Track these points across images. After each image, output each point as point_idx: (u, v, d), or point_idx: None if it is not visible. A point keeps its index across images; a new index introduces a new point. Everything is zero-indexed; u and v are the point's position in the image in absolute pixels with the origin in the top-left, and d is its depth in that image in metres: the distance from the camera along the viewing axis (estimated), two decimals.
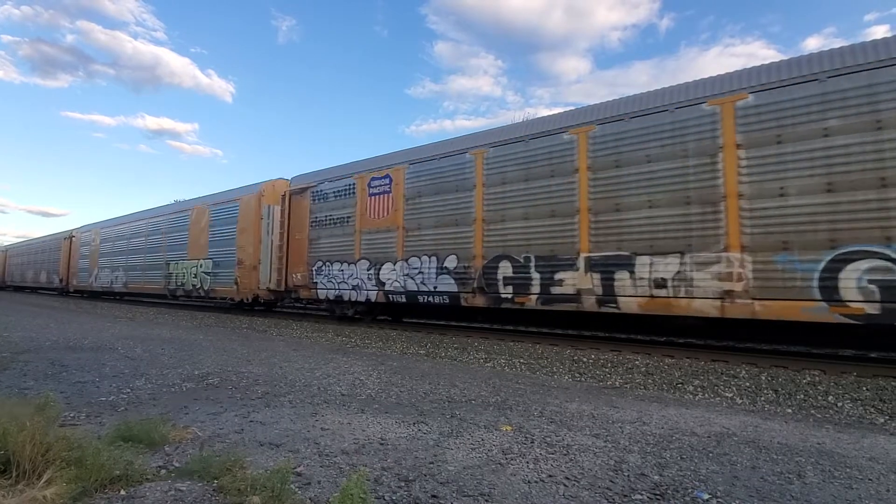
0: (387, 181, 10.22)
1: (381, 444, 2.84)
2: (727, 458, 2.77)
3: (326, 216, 11.46)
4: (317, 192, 11.80)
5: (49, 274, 27.57)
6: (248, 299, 13.40)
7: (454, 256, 8.82)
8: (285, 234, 12.36)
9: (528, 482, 2.33)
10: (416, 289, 9.32)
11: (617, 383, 5.14)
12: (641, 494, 2.22)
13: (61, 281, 25.41)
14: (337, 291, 10.93)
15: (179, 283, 16.26)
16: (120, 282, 20.14)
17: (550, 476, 2.41)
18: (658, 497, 2.20)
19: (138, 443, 2.51)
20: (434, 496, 2.14)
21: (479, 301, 8.39)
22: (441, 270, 8.96)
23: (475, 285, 8.42)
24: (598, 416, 3.63)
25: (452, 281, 8.77)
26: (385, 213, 10.11)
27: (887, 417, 3.90)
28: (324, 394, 4.13)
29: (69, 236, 25.21)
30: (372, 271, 10.15)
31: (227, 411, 3.46)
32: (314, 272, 11.52)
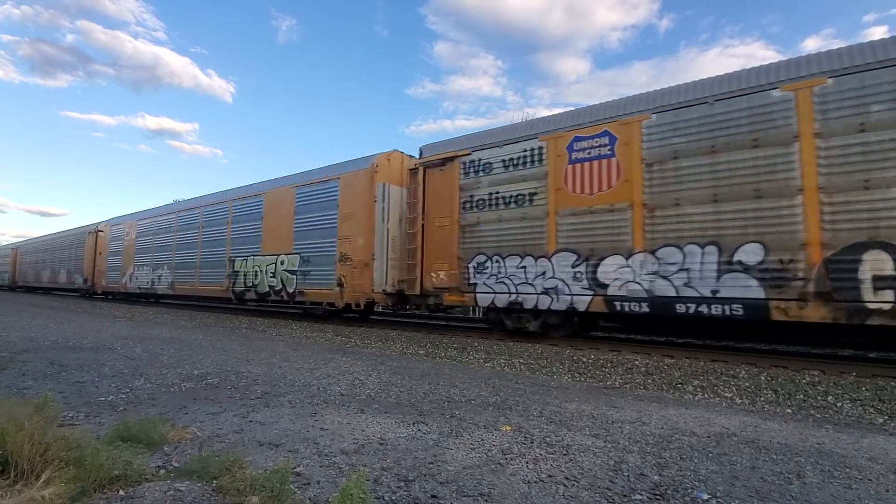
0: (604, 141, 7.36)
1: (381, 444, 2.84)
2: (727, 458, 2.77)
3: (491, 194, 8.57)
4: (471, 162, 8.93)
5: (70, 273, 24.56)
6: (358, 304, 10.39)
7: (757, 245, 6.03)
8: (419, 220, 9.59)
9: (528, 482, 2.32)
10: (671, 293, 6.56)
11: (616, 383, 5.14)
12: (641, 494, 2.22)
13: (86, 281, 22.58)
14: (513, 296, 8.07)
15: (249, 285, 13.13)
16: (164, 282, 17.01)
17: (550, 476, 2.41)
18: (658, 497, 2.20)
19: (137, 443, 2.51)
20: (434, 496, 2.14)
21: (817, 313, 5.64)
22: (727, 266, 6.20)
23: (809, 289, 5.70)
24: (598, 416, 3.63)
25: (754, 282, 6.00)
26: (603, 186, 7.29)
27: (886, 417, 3.91)
28: (323, 394, 4.12)
29: (95, 230, 22.31)
30: (582, 268, 7.36)
31: (227, 411, 3.46)
32: (471, 270, 8.67)
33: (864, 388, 4.79)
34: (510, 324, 8.49)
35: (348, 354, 6.60)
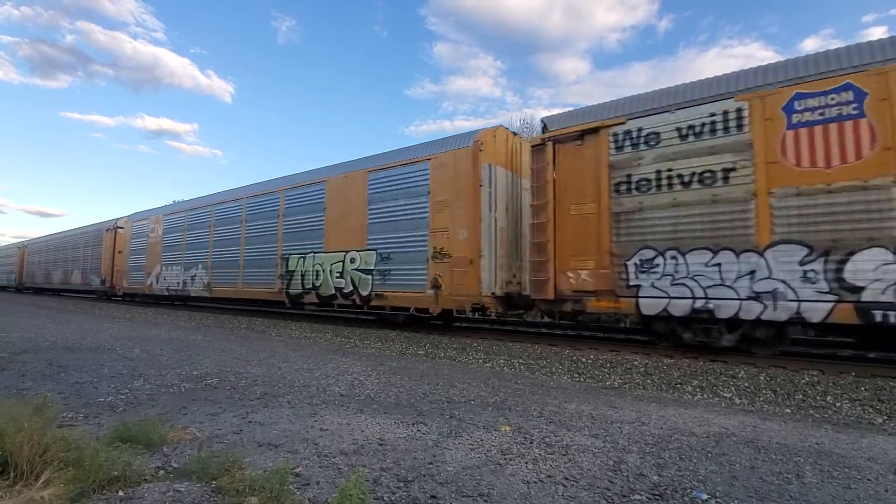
0: (846, 96, 5.69)
1: (380, 444, 2.84)
2: (726, 458, 2.77)
3: (659, 172, 6.79)
4: (627, 133, 7.13)
5: (85, 274, 22.78)
6: (462, 310, 8.62)
7: None
8: (550, 208, 7.76)
9: (527, 482, 2.33)
10: None
11: (616, 383, 5.14)
12: (640, 495, 2.22)
13: (103, 282, 20.92)
14: (699, 302, 6.33)
15: (309, 286, 11.41)
16: (199, 283, 15.22)
17: (549, 476, 2.41)
18: (657, 497, 2.20)
19: (137, 443, 2.51)
20: (433, 496, 2.14)
21: None
22: None
23: None
24: (597, 417, 3.63)
25: None
26: (848, 156, 5.63)
27: (886, 417, 3.91)
28: (323, 394, 4.12)
29: (113, 227, 20.74)
30: (817, 266, 5.67)
31: (226, 412, 3.46)
32: (630, 269, 6.96)
33: (863, 388, 4.79)
34: (690, 337, 6.73)
35: (347, 355, 6.59)
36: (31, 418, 2.23)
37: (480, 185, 8.56)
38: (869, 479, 2.50)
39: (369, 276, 10.12)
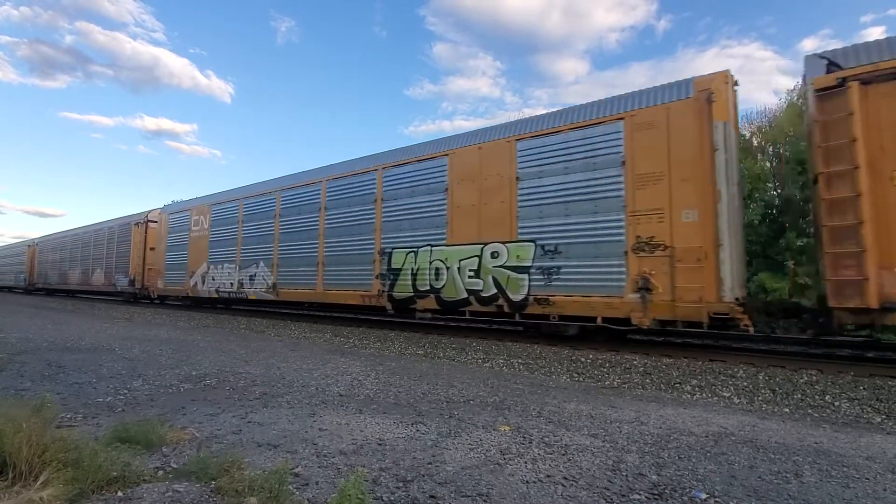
0: None
1: (380, 444, 2.84)
2: (725, 457, 2.77)
3: None
4: None
5: (109, 273, 20.35)
6: (696, 321, 6.32)
7: None
8: (859, 177, 5.47)
9: (527, 482, 2.33)
10: None
11: (615, 383, 5.14)
12: (640, 494, 2.22)
13: (132, 282, 18.52)
14: None
15: (424, 288, 9.15)
16: (260, 283, 12.82)
17: (549, 476, 2.41)
18: (656, 497, 2.21)
19: (136, 444, 2.51)
20: (432, 496, 2.14)
21: None
22: None
23: None
24: (596, 416, 3.63)
25: None
26: None
27: (884, 417, 3.92)
28: (322, 394, 4.12)
29: (144, 220, 18.45)
30: None
31: (225, 412, 3.46)
32: None
33: (861, 388, 4.80)
34: None
35: (347, 355, 6.59)
36: (30, 419, 2.22)
37: (715, 150, 6.31)
38: (867, 479, 2.50)
39: (524, 276, 7.87)
